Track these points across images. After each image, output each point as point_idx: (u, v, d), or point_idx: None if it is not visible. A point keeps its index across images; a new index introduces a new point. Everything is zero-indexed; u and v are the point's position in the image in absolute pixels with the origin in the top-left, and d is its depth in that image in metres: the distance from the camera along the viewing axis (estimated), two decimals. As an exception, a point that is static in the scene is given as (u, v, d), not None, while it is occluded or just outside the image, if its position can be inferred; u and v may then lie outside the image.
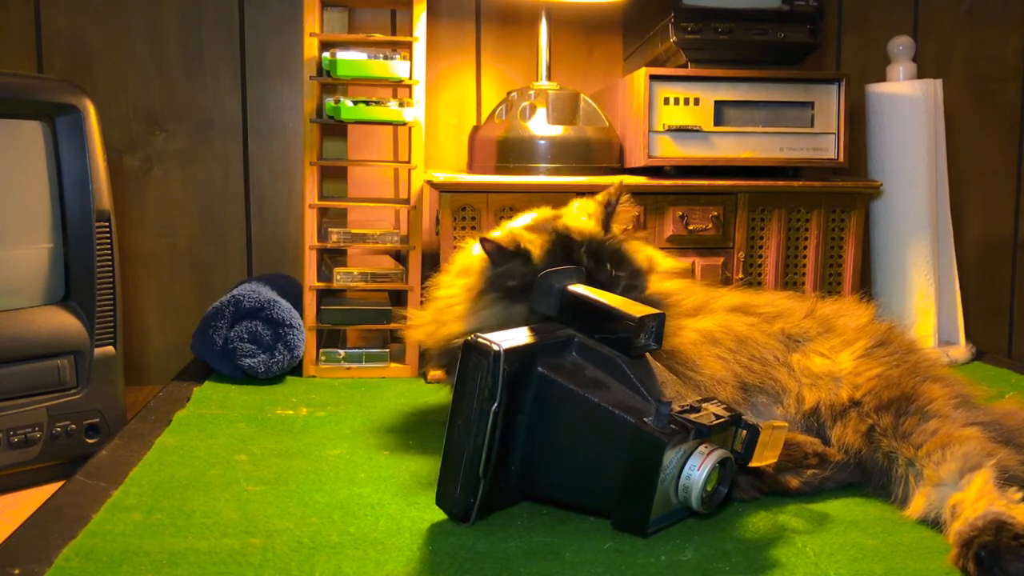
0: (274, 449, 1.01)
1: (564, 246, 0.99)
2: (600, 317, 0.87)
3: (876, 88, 1.51)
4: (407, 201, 1.39)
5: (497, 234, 1.01)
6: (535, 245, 0.98)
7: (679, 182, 1.36)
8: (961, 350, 1.49)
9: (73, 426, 1.09)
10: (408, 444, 1.04)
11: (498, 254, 0.98)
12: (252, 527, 0.80)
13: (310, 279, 1.35)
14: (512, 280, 0.98)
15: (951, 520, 0.78)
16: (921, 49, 1.70)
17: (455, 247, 1.31)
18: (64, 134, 1.10)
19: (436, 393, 1.26)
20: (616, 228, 1.05)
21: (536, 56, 1.49)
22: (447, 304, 1.03)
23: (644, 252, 1.05)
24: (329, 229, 1.36)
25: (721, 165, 1.38)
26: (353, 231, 1.37)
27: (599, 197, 1.07)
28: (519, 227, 1.04)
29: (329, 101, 1.34)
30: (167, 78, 1.65)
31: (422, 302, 1.14)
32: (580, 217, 1.04)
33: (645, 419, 0.77)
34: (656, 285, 1.07)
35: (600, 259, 1.00)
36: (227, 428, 1.08)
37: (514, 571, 0.73)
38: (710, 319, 1.02)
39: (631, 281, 1.02)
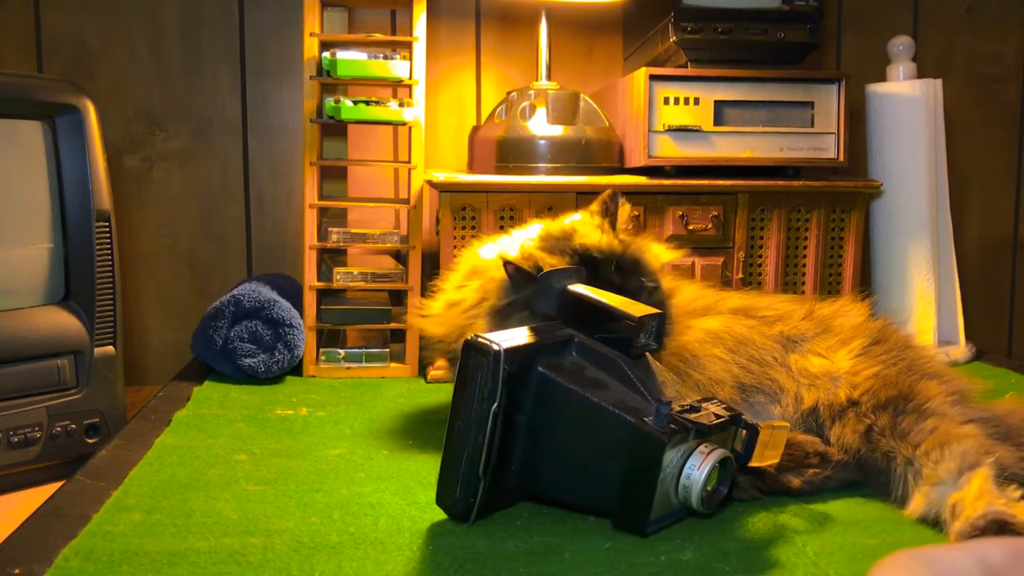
0: (274, 449, 1.01)
1: (589, 266, 0.98)
2: (600, 317, 0.87)
3: (876, 88, 1.51)
4: (407, 201, 1.39)
5: (514, 253, 0.99)
6: (557, 265, 0.96)
7: (679, 182, 1.36)
8: (961, 350, 1.49)
9: (73, 426, 1.09)
10: (408, 444, 1.04)
11: (521, 278, 0.96)
12: (252, 527, 0.80)
13: (310, 279, 1.35)
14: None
15: (951, 519, 0.78)
16: (921, 49, 1.70)
17: (455, 247, 1.31)
18: (64, 134, 1.10)
19: (436, 393, 1.26)
20: (621, 233, 1.05)
21: (536, 56, 1.49)
22: (460, 306, 1.02)
23: (652, 251, 1.05)
24: (329, 229, 1.36)
25: (721, 165, 1.38)
26: (353, 231, 1.37)
27: (595, 207, 1.07)
28: (531, 244, 1.01)
29: (329, 101, 1.34)
30: (167, 78, 1.66)
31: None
32: (590, 231, 1.03)
33: (645, 419, 0.77)
34: (668, 286, 1.07)
35: (626, 271, 1.00)
36: (227, 428, 1.08)
37: (514, 571, 0.73)
38: (715, 320, 1.02)
39: (654, 284, 1.01)
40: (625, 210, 1.07)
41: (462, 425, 0.79)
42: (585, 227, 1.04)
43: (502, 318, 0.96)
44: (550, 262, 0.96)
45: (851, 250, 1.43)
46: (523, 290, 0.95)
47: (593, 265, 0.98)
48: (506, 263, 0.96)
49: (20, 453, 1.05)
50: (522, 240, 1.03)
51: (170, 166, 1.67)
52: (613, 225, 1.04)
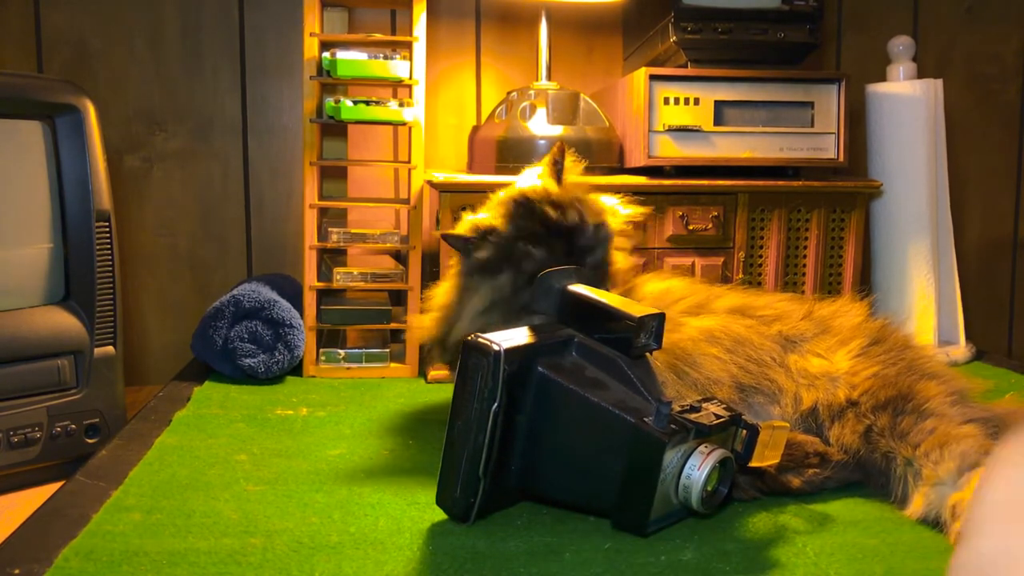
0: (274, 449, 1.01)
1: (524, 207, 1.02)
2: (600, 317, 0.87)
3: (876, 88, 1.51)
4: (407, 201, 1.39)
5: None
6: (495, 219, 1.02)
7: (679, 182, 1.36)
8: (961, 350, 1.49)
9: (73, 426, 1.10)
10: (408, 444, 1.04)
11: (464, 244, 1.02)
12: (252, 527, 0.80)
13: (310, 279, 1.35)
14: (488, 256, 1.01)
15: (951, 520, 0.78)
16: (921, 49, 1.70)
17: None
18: (64, 134, 1.10)
19: (436, 393, 1.26)
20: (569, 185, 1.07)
21: (536, 56, 1.49)
22: (446, 304, 1.05)
23: (596, 198, 1.07)
24: (329, 229, 1.36)
25: (721, 165, 1.38)
26: (353, 231, 1.37)
27: (544, 160, 1.08)
28: (476, 215, 1.06)
29: (329, 101, 1.34)
30: (167, 78, 1.65)
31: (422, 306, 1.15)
32: (531, 181, 1.07)
33: (645, 419, 0.77)
34: (656, 283, 1.08)
35: (563, 207, 1.01)
36: (227, 428, 1.08)
37: (514, 571, 0.73)
38: (710, 319, 1.02)
39: (599, 222, 1.03)
40: (572, 163, 1.08)
41: (462, 425, 0.79)
42: (526, 179, 1.08)
43: (463, 285, 1.02)
44: (487, 216, 1.01)
45: (851, 250, 1.43)
46: (469, 254, 1.01)
47: (527, 205, 1.02)
48: (443, 236, 1.03)
49: (20, 453, 1.05)
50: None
51: (170, 166, 1.67)
52: (559, 176, 1.06)
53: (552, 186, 1.04)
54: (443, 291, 1.07)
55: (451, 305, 1.04)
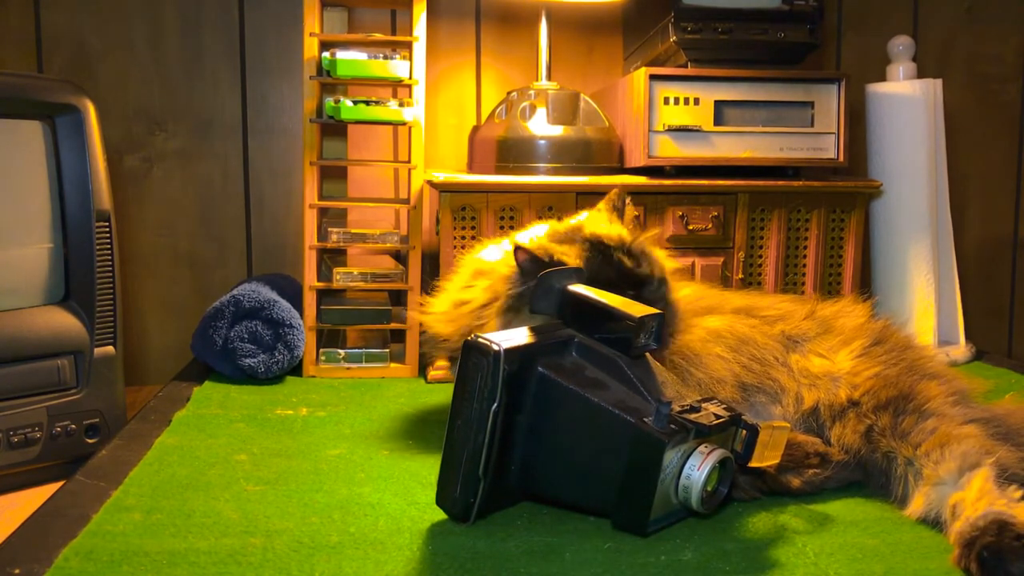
0: (274, 449, 1.01)
1: (600, 252, 0.99)
2: (600, 317, 0.87)
3: (876, 88, 1.51)
4: (407, 201, 1.39)
5: (525, 240, 0.99)
6: (569, 256, 0.97)
7: (679, 182, 1.36)
8: (961, 350, 1.49)
9: (73, 426, 1.10)
10: (408, 444, 1.04)
11: (532, 265, 0.95)
12: (252, 527, 0.80)
13: (310, 279, 1.35)
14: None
15: (951, 520, 0.78)
16: (921, 49, 1.70)
17: (455, 247, 1.31)
18: (64, 134, 1.10)
19: (436, 393, 1.26)
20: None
21: (536, 56, 1.49)
22: (469, 305, 1.01)
23: (656, 251, 1.06)
24: (329, 229, 1.36)
25: (721, 165, 1.38)
26: (353, 231, 1.37)
27: (602, 205, 1.07)
28: (541, 237, 1.01)
29: (329, 101, 1.34)
30: (167, 78, 1.65)
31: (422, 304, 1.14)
32: (600, 223, 1.04)
33: (645, 419, 0.77)
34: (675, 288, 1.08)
35: (637, 258, 1.00)
36: (227, 428, 1.08)
37: (514, 571, 0.73)
38: (717, 319, 1.02)
39: (662, 276, 1.01)
40: (630, 210, 1.07)
41: (462, 425, 0.79)
42: (594, 222, 1.04)
43: (514, 311, 0.96)
44: (561, 250, 0.96)
45: (851, 250, 1.43)
46: (533, 279, 0.95)
47: (605, 252, 0.99)
48: (517, 248, 0.96)
49: (20, 453, 1.05)
50: (530, 236, 1.03)
51: (170, 166, 1.67)
52: (621, 220, 1.05)
53: (626, 235, 1.02)
54: (475, 297, 1.02)
55: (475, 307, 1.00)
